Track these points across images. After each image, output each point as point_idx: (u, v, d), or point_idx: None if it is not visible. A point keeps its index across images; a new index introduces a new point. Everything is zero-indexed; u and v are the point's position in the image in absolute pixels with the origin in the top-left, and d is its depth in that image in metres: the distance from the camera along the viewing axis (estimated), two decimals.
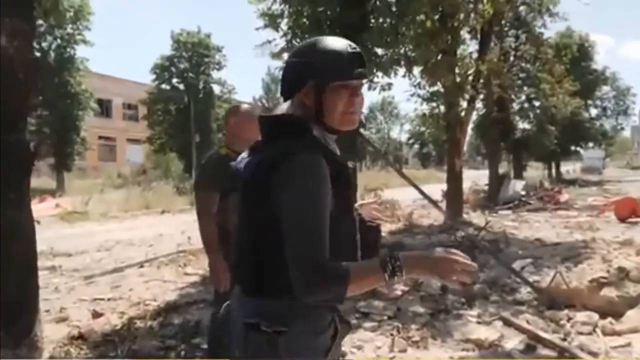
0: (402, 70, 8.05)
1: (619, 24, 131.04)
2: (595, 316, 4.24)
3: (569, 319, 4.28)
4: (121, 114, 41.31)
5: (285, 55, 7.53)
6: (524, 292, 5.04)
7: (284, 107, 1.46)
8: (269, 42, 7.66)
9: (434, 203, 6.84)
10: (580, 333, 4.03)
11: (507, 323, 4.32)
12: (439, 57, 10.13)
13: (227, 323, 1.49)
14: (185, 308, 5.24)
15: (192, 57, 33.73)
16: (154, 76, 33.12)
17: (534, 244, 8.49)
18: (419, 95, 12.72)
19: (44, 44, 25.10)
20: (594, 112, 35.54)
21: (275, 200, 1.30)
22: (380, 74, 7.77)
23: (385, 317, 4.53)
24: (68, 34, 25.65)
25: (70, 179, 25.85)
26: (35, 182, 21.49)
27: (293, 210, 1.28)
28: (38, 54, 24.70)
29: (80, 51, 26.89)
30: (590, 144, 36.53)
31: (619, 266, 4.66)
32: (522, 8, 17.42)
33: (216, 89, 35.27)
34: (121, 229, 12.23)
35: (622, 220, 11.75)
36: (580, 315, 4.26)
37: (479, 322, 4.41)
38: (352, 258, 1.38)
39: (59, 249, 8.98)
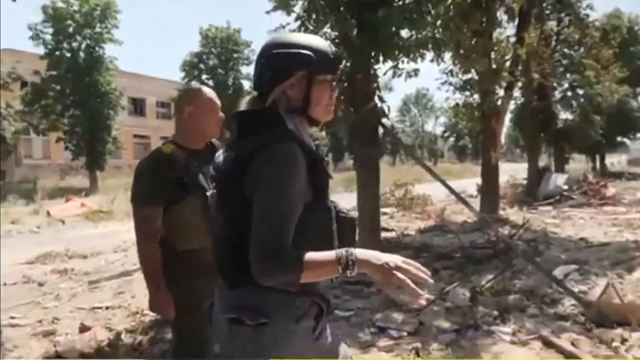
0: (429, 55, 7.30)
1: None
2: None
3: (623, 340, 3.56)
4: (154, 112, 41.65)
5: None
6: (568, 305, 4.32)
7: (246, 99, 1.52)
8: (282, 27, 7.05)
9: (461, 198, 6.16)
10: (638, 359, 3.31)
11: (548, 343, 3.63)
12: (473, 41, 9.34)
13: (210, 317, 1.52)
14: None
15: (221, 53, 33.58)
16: (183, 73, 33.15)
17: (578, 244, 7.68)
18: (450, 84, 11.90)
19: (73, 44, 25.27)
20: None
21: (248, 193, 1.34)
22: (405, 59, 7.06)
23: (405, 333, 3.91)
24: (96, 34, 25.69)
25: (104, 177, 25.97)
26: (69, 181, 21.80)
27: (261, 196, 1.32)
28: (68, 54, 24.97)
29: (109, 50, 27.03)
30: (639, 135, 34.45)
31: None
32: None
33: (245, 84, 35.05)
34: None
35: None
36: (637, 335, 3.53)
37: (513, 342, 3.74)
38: (329, 247, 1.36)
39: (76, 250, 8.73)
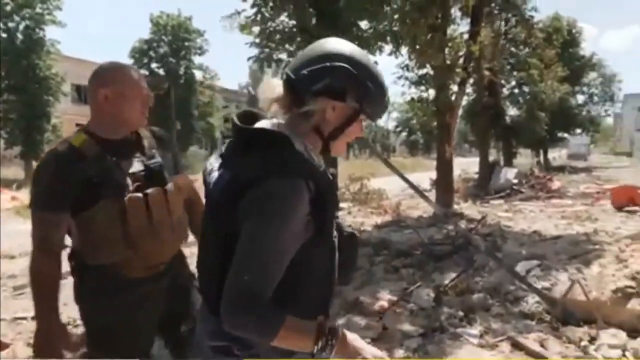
0: (388, 48, 7.22)
1: (601, 14, 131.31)
2: (623, 335, 3.50)
3: (592, 339, 3.53)
4: None
5: (255, 29, 6.66)
6: (532, 303, 4.27)
7: (272, 87, 1.33)
8: (238, 13, 6.75)
9: (423, 195, 6.08)
10: (608, 359, 3.28)
11: (516, 345, 3.56)
12: (429, 36, 9.30)
13: (191, 345, 1.46)
14: None
15: (173, 41, 32.62)
16: (132, 61, 32.00)
17: (532, 237, 7.78)
18: (406, 79, 11.87)
19: (10, 24, 23.71)
20: (580, 98, 35.06)
21: (239, 221, 1.21)
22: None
23: (368, 340, 3.73)
24: (37, 14, 24.19)
25: None
26: (2, 172, 20.18)
27: (251, 234, 1.18)
28: (4, 35, 23.42)
29: (51, 33, 25.61)
30: (578, 131, 36.07)
31: None
32: None
33: (198, 74, 34.28)
34: None
35: (618, 208, 11.14)
36: (605, 335, 3.51)
37: (481, 345, 3.64)
38: (329, 285, 1.34)
39: (3, 250, 7.85)
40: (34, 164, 24.02)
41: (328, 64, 1.25)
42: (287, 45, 6.83)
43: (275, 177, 1.18)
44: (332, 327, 1.21)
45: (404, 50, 9.74)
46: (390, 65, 12.96)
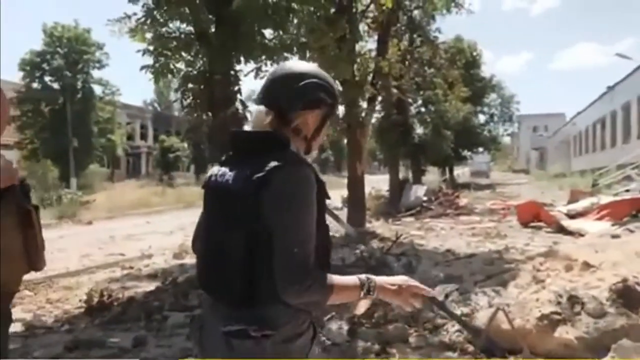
0: (294, 59, 6.76)
1: (496, 40, 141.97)
2: None
3: None
4: None
5: (148, 35, 5.94)
6: (452, 332, 3.90)
7: (262, 118, 1.52)
8: (128, 17, 5.97)
9: (333, 214, 5.63)
10: None
11: None
12: (337, 49, 9.01)
13: (200, 335, 1.53)
14: None
15: (69, 53, 30.35)
16: (22, 73, 29.41)
17: (445, 256, 7.60)
18: None
19: None
20: (482, 118, 36.99)
21: (267, 212, 1.35)
22: (269, 61, 6.43)
23: None
24: None
25: None
26: None
27: (286, 220, 1.35)
28: None
29: None
30: (480, 149, 37.91)
31: (571, 295, 3.65)
32: (416, 12, 17.20)
33: (98, 89, 32.12)
34: None
35: (524, 224, 11.44)
36: None
37: None
38: (325, 264, 1.44)
39: None
40: None
41: (301, 83, 1.47)
42: (184, 54, 6.14)
43: (291, 166, 1.37)
44: (369, 276, 1.45)
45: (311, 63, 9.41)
46: None
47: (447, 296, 4.51)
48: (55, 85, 30.20)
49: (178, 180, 36.94)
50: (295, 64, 1.63)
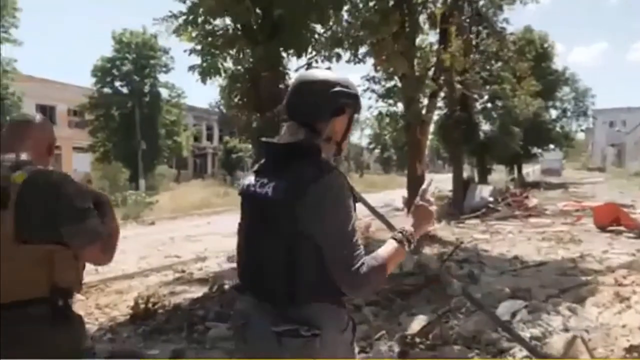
0: (346, 55, 6.43)
1: (568, 30, 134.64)
2: None
3: None
4: (66, 121, 38.74)
5: (194, 33, 5.78)
6: (520, 356, 3.40)
7: (294, 130, 1.57)
8: (175, 16, 5.82)
9: (379, 214, 5.25)
10: None
11: None
12: (395, 45, 8.56)
13: (244, 333, 1.59)
14: None
15: (137, 59, 31.51)
16: (94, 79, 30.81)
17: (512, 264, 7.00)
18: (373, 91, 11.09)
19: None
20: (554, 113, 34.96)
21: (309, 219, 1.45)
22: (319, 58, 6.12)
23: None
24: None
25: None
26: None
27: (334, 224, 1.45)
28: None
29: (8, 52, 24.37)
30: (551, 146, 35.91)
31: None
32: (482, 3, 16.33)
33: (164, 93, 33.12)
34: None
35: (601, 228, 10.48)
36: None
37: None
38: None
39: None
40: None
41: (326, 95, 1.57)
42: (230, 51, 5.93)
43: (329, 174, 1.48)
44: (402, 230, 1.57)
45: (368, 61, 9.05)
46: (358, 81, 12.01)
47: (513, 315, 4.00)
48: (125, 90, 31.42)
49: (242, 180, 37.54)
50: (313, 74, 1.67)
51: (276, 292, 1.51)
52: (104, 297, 5.90)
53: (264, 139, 1.63)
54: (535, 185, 27.80)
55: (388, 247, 1.51)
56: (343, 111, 1.59)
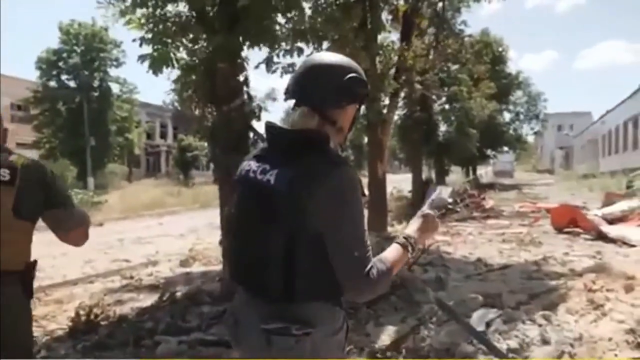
0: (308, 49, 6.09)
1: (519, 38, 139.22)
2: None
3: None
4: (9, 116, 36.80)
5: (143, 19, 5.32)
6: None
7: (304, 116, 1.49)
8: None
9: None
10: None
11: None
12: (355, 38, 8.29)
13: (236, 331, 1.53)
14: None
15: (86, 51, 30.15)
16: (39, 72, 29.33)
17: (477, 267, 6.83)
18: None
19: None
20: (507, 116, 35.75)
21: (317, 212, 1.36)
22: (281, 51, 5.75)
23: None
24: None
25: None
26: None
27: (349, 223, 1.38)
28: None
29: None
30: (505, 148, 36.74)
31: None
32: (440, 5, 16.38)
33: (115, 88, 31.87)
34: None
35: (559, 230, 10.56)
36: None
37: None
38: None
39: None
40: None
41: (344, 80, 1.47)
42: (184, 41, 5.47)
43: (340, 167, 1.40)
44: (406, 235, 1.52)
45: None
46: None
47: (488, 325, 3.76)
48: (72, 84, 30.07)
49: (197, 179, 36.59)
50: (329, 57, 1.54)
51: (271, 287, 1.42)
52: (41, 307, 5.32)
53: (270, 123, 1.55)
54: (490, 186, 28.32)
55: (393, 251, 1.46)
56: (356, 99, 1.52)
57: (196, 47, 5.39)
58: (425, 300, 4.60)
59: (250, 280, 1.49)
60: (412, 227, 1.56)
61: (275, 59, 5.97)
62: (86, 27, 29.89)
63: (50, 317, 4.92)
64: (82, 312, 4.49)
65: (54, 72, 29.48)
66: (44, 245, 8.49)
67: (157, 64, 5.23)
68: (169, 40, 5.40)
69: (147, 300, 5.39)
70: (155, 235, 11.86)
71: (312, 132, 1.46)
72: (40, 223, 1.92)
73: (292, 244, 1.39)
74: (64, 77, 29.85)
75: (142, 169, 43.87)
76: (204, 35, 5.04)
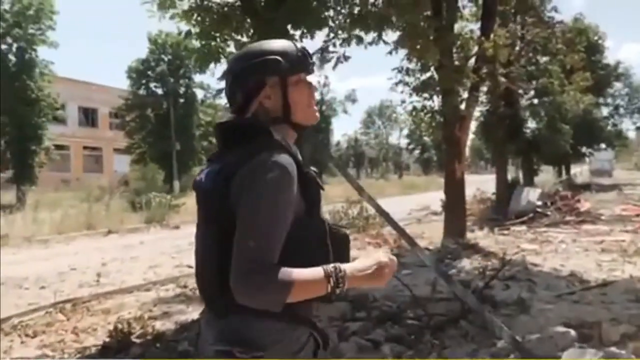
0: (368, 37, 5.50)
1: (617, 26, 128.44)
2: None
3: None
4: (107, 123, 39.48)
5: (185, 6, 5.00)
6: None
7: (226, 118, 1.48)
8: None
9: (396, 225, 4.32)
10: None
11: None
12: (430, 28, 7.56)
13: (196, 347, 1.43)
14: None
15: (172, 60, 31.46)
16: (129, 81, 30.94)
17: (569, 283, 5.89)
18: (406, 84, 10.02)
19: (3, 47, 22.80)
20: (605, 110, 32.82)
21: (235, 207, 1.24)
22: (337, 41, 5.21)
23: None
24: (29, 35, 23.22)
25: (44, 192, 23.08)
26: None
27: (247, 208, 1.22)
28: None
29: (45, 54, 24.64)
30: (603, 145, 33.72)
31: None
32: None
33: (199, 93, 32.97)
34: (34, 259, 9.65)
35: None
36: None
37: None
38: (325, 262, 1.27)
39: None
40: (34, 188, 22.89)
41: (231, 79, 1.39)
42: (234, 34, 5.08)
43: (261, 153, 1.23)
44: (337, 265, 1.24)
45: (400, 53, 8.11)
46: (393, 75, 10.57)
47: None
48: (160, 91, 31.37)
49: None
50: (234, 55, 1.63)
51: (212, 299, 1.31)
52: (88, 318, 5.13)
53: (218, 121, 1.49)
54: (586, 187, 25.95)
55: (309, 271, 1.23)
56: (261, 86, 1.35)
57: (243, 39, 4.96)
58: (500, 329, 3.84)
59: (202, 292, 1.37)
60: (353, 263, 1.29)
61: (332, 48, 5.44)
62: (172, 36, 31.03)
63: (92, 330, 4.68)
64: (120, 327, 4.19)
65: (143, 81, 30.92)
66: (117, 249, 8.55)
67: (203, 59, 4.86)
68: (217, 34, 5.00)
69: (195, 313, 5.03)
70: None
71: (243, 120, 1.36)
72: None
73: (221, 248, 1.23)
74: (152, 84, 31.20)
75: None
76: (249, 22, 4.58)
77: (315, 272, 1.22)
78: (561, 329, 3.51)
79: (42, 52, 24.08)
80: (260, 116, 1.36)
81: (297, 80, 1.37)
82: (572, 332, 3.44)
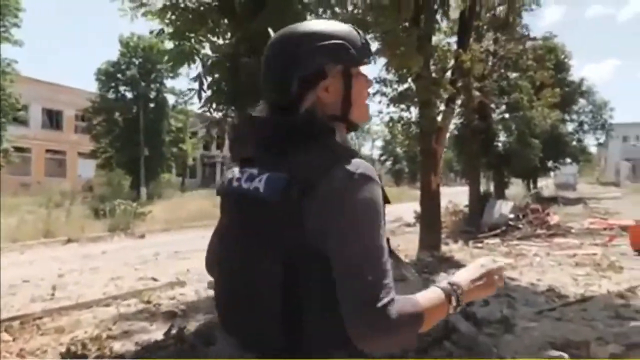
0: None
1: (579, 47, 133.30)
2: None
3: None
4: (72, 126, 38.26)
5: (159, 3, 4.74)
6: None
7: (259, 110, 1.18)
8: None
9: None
10: None
11: None
12: (411, 37, 7.44)
13: None
14: None
15: (143, 63, 30.71)
16: (98, 84, 30.08)
17: (549, 299, 5.79)
18: (384, 94, 9.93)
19: None
20: (570, 126, 33.66)
21: (319, 226, 1.00)
22: None
23: None
24: None
25: (1, 196, 22.09)
26: None
27: (356, 235, 0.99)
28: None
29: (8, 52, 23.70)
30: (568, 160, 34.56)
31: None
32: (500, 8, 15.24)
33: (170, 98, 32.26)
34: None
35: (639, 251, 9.27)
36: None
37: None
38: None
39: None
40: None
41: (285, 61, 1.12)
42: (209, 35, 4.82)
43: (347, 161, 1.03)
44: (453, 282, 1.10)
45: (378, 62, 7.99)
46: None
47: None
48: (130, 95, 30.62)
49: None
50: (284, 32, 1.17)
51: (268, 339, 1.03)
52: (38, 338, 4.67)
53: (254, 115, 1.17)
54: (553, 200, 26.44)
55: (430, 295, 1.04)
56: (322, 75, 1.10)
57: (219, 41, 4.71)
58: (485, 347, 3.68)
59: (242, 329, 1.11)
60: (464, 275, 1.12)
61: None
62: (144, 39, 30.39)
63: (41, 352, 4.24)
64: (73, 349, 3.83)
65: (113, 84, 30.11)
66: (77, 259, 7.95)
67: (176, 60, 4.58)
68: (192, 35, 4.74)
69: (158, 332, 4.69)
70: (194, 250, 11.28)
71: (303, 117, 1.10)
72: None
73: (292, 274, 1.01)
74: (122, 88, 30.43)
75: (198, 179, 44.44)
76: (226, 23, 4.34)
77: (434, 295, 1.06)
78: (554, 352, 3.36)
79: (6, 50, 23.10)
80: (316, 113, 1.11)
81: (358, 72, 1.18)
82: (566, 356, 3.30)
